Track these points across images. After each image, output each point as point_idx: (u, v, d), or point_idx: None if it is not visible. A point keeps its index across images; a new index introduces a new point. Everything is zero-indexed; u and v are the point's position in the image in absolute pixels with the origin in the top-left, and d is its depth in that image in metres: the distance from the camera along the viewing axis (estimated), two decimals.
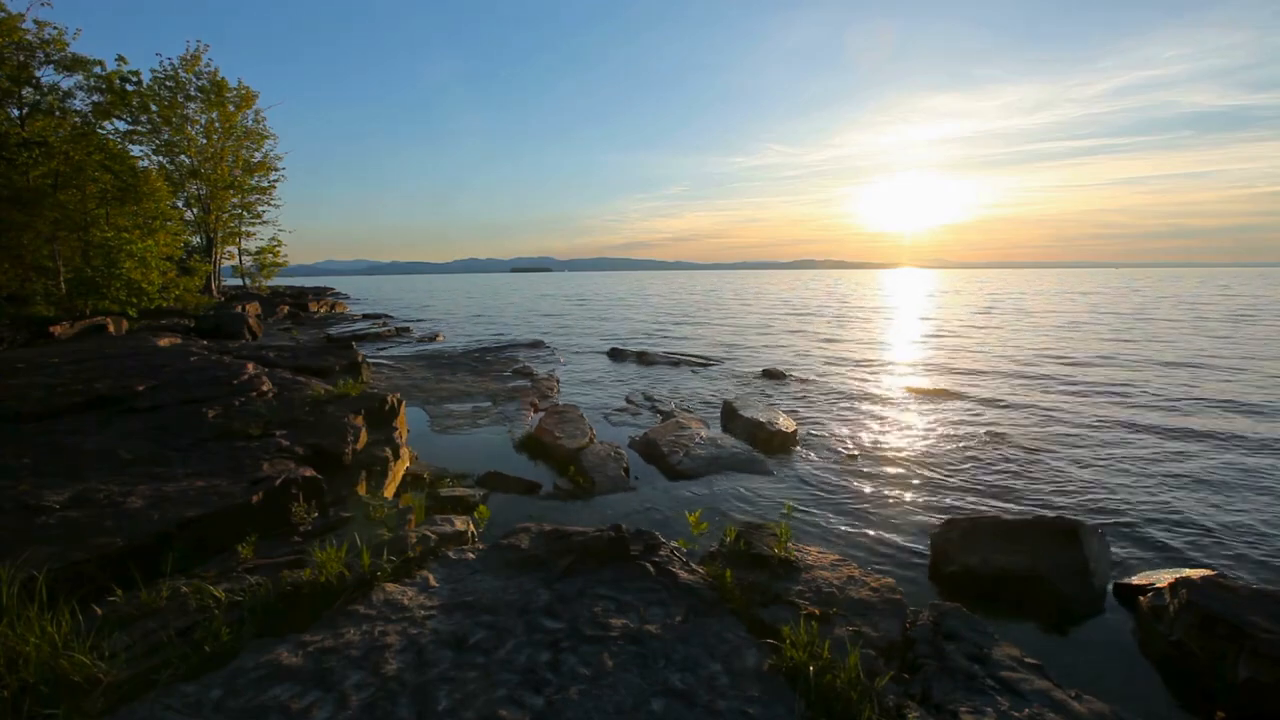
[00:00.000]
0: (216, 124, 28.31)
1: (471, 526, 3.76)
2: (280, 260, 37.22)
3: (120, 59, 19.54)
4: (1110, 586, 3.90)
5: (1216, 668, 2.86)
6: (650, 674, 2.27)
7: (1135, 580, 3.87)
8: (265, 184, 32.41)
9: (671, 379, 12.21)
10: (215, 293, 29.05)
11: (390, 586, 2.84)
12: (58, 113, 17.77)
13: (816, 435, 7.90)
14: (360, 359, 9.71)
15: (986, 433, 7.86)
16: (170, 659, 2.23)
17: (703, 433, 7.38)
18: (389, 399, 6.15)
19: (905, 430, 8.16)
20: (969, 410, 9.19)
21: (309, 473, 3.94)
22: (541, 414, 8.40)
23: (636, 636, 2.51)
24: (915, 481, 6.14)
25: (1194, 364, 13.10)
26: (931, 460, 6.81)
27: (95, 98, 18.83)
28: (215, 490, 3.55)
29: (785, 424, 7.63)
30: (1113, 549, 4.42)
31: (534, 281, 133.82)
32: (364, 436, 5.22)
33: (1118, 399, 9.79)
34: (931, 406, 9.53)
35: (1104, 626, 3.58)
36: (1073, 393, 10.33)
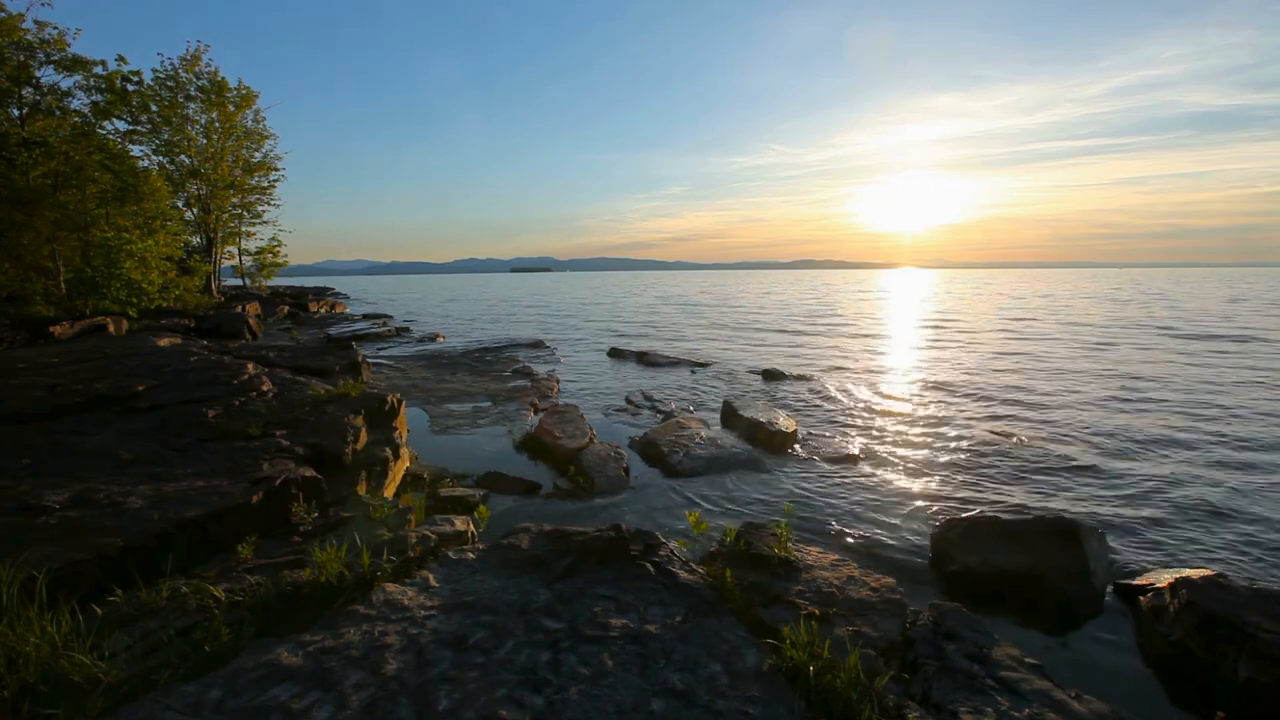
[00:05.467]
0: (216, 124, 28.31)
1: (471, 526, 3.76)
2: (280, 260, 37.19)
3: (120, 59, 19.56)
4: (1110, 586, 3.90)
5: (1216, 668, 2.86)
6: (650, 674, 2.27)
7: (1135, 580, 3.87)
8: (265, 184, 32.42)
9: (671, 379, 12.20)
10: (215, 293, 29.03)
11: (390, 586, 2.84)
12: (58, 113, 17.76)
13: (817, 435, 7.90)
14: (360, 359, 9.71)
15: (987, 433, 7.86)
16: (170, 659, 2.23)
17: (703, 433, 7.38)
18: (389, 399, 6.15)
19: (906, 430, 8.16)
20: (969, 410, 9.19)
21: (309, 473, 3.94)
22: (541, 414, 8.40)
23: (636, 636, 2.51)
24: (915, 481, 6.14)
25: (1196, 366, 13.10)
26: (932, 460, 6.81)
27: (95, 98, 18.83)
28: (215, 490, 3.55)
29: (785, 424, 7.63)
30: (1113, 549, 4.42)
31: (534, 281, 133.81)
32: (364, 436, 5.22)
33: (1119, 399, 9.78)
34: (932, 406, 9.52)
35: (1104, 626, 3.58)
36: (1073, 393, 10.32)
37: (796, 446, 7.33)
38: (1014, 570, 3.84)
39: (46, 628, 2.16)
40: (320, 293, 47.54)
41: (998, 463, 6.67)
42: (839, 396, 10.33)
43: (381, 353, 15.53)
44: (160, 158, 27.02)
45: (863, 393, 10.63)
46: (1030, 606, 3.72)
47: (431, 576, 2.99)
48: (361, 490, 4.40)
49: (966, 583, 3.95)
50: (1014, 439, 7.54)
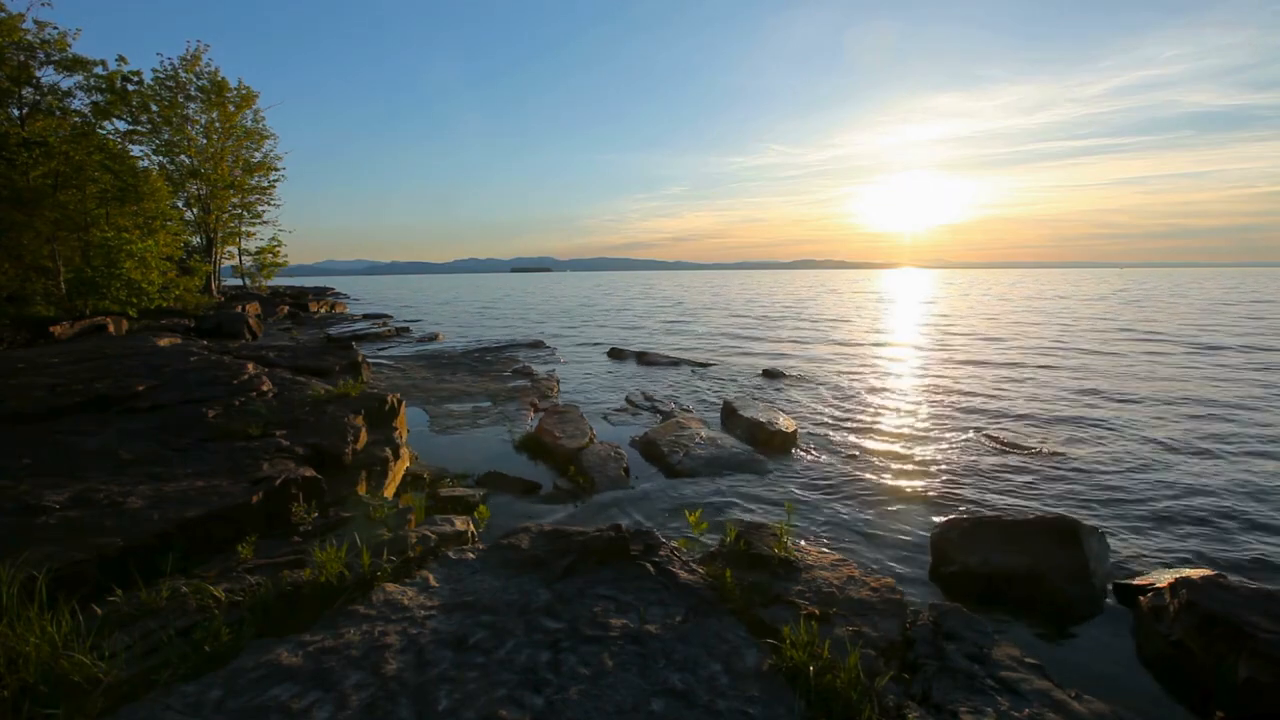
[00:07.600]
0: (216, 124, 28.33)
1: (471, 526, 3.76)
2: (280, 260, 37.21)
3: (120, 59, 19.56)
4: (1110, 586, 3.90)
5: (1216, 668, 2.86)
6: (650, 674, 2.27)
7: (1135, 580, 3.87)
8: (265, 184, 32.45)
9: (671, 379, 12.20)
10: (215, 293, 29.04)
11: (390, 586, 2.84)
12: (58, 113, 17.76)
13: (817, 435, 7.90)
14: (360, 359, 9.71)
15: (987, 433, 7.86)
16: (170, 659, 2.23)
17: (703, 433, 7.38)
18: (389, 399, 6.15)
19: (906, 430, 8.16)
20: (970, 410, 9.18)
21: (309, 473, 3.94)
22: (541, 414, 8.40)
23: (636, 636, 2.51)
24: (915, 481, 6.14)
25: (1198, 365, 13.10)
26: (932, 460, 6.81)
27: (95, 98, 18.83)
28: (215, 490, 3.55)
29: (785, 424, 7.62)
30: (1113, 549, 4.42)
31: (534, 281, 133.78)
32: (364, 436, 5.22)
33: (1119, 400, 9.78)
34: (932, 407, 9.52)
35: (1104, 626, 3.58)
36: (1073, 393, 10.32)
37: (796, 446, 7.33)
38: (1014, 570, 3.83)
39: (46, 628, 2.16)
40: (320, 293, 47.57)
41: (998, 463, 6.67)
42: (839, 397, 10.33)
43: (381, 353, 15.54)
44: (160, 158, 27.06)
45: (863, 393, 10.62)
46: (1030, 606, 3.71)
47: (431, 576, 2.99)
48: (361, 490, 4.40)
49: (966, 583, 3.95)
50: (1014, 439, 7.54)
